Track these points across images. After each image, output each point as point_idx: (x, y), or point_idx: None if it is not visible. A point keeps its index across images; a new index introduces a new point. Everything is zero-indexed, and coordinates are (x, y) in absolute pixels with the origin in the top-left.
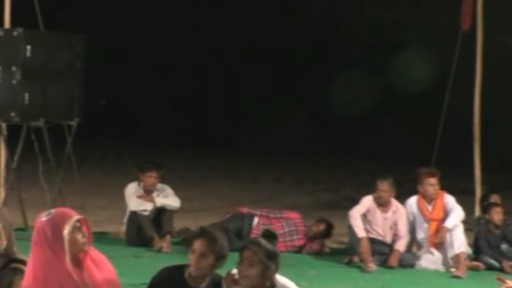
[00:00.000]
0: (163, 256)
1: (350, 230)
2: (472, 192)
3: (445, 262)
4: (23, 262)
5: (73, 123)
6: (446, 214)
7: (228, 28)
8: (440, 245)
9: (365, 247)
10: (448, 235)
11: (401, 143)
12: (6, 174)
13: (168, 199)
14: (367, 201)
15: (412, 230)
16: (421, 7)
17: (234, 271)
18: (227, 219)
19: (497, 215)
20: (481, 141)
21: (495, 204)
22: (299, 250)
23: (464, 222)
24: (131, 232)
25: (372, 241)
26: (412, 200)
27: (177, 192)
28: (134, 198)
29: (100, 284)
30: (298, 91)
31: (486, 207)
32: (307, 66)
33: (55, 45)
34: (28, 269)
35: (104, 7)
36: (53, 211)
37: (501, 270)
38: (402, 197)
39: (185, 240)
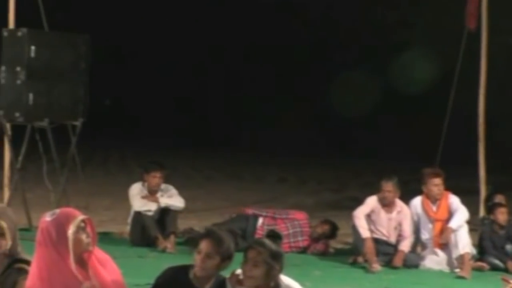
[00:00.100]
0: (167, 256)
1: (355, 230)
2: (476, 192)
3: (449, 263)
4: (27, 262)
5: (77, 123)
6: (450, 214)
7: (229, 28)
8: (445, 246)
9: (369, 247)
10: (452, 236)
11: (405, 143)
12: (11, 174)
13: (172, 199)
14: (371, 202)
15: (417, 230)
16: (423, 7)
17: (239, 271)
18: (231, 219)
19: (501, 215)
20: (485, 141)
21: (500, 205)
22: (303, 250)
23: (469, 222)
24: (135, 232)
25: (377, 241)
26: (417, 201)
27: (181, 192)
28: (138, 199)
29: (105, 284)
30: (300, 91)
31: (490, 208)
32: (308, 66)
33: (59, 45)
34: (32, 269)
35: (103, 7)
36: (57, 211)
37: (506, 270)
38: (406, 198)
39: (189, 240)
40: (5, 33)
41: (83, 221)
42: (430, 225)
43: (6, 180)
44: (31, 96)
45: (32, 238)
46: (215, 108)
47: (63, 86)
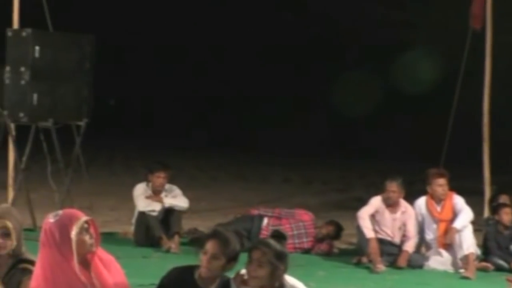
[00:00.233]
0: (172, 257)
1: (359, 230)
2: (481, 192)
3: (454, 263)
4: (32, 263)
5: (82, 123)
6: (455, 214)
7: (229, 28)
8: (449, 246)
9: (373, 247)
10: (457, 236)
11: (409, 143)
12: (15, 174)
13: (177, 199)
14: (375, 202)
15: (421, 230)
16: (428, 7)
17: (243, 271)
18: (236, 219)
19: (506, 215)
20: (490, 142)
21: (504, 205)
22: (308, 251)
23: (473, 222)
24: (140, 233)
25: (381, 241)
26: (421, 201)
27: (186, 192)
28: (143, 199)
29: (108, 285)
30: (304, 91)
31: (495, 208)
32: (314, 65)
33: (63, 45)
34: (36, 270)
35: (103, 6)
36: (60, 212)
37: (510, 271)
38: (411, 198)
39: (193, 241)
40: (9, 33)
41: (86, 222)
42: (434, 226)
43: (10, 180)
44: (35, 96)
45: (36, 238)
46: (219, 108)
47: (67, 86)
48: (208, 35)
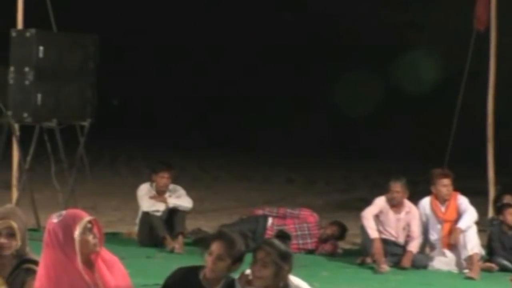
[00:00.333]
0: (175, 257)
1: (363, 231)
2: (485, 193)
3: (458, 263)
4: (36, 263)
5: (86, 123)
6: (459, 215)
7: (229, 28)
8: (453, 246)
9: (377, 248)
10: (461, 236)
11: (413, 144)
12: (19, 174)
13: (181, 199)
14: (379, 202)
15: (425, 231)
16: (430, 7)
17: (248, 271)
18: (241, 220)
19: (510, 216)
20: (494, 142)
21: (509, 205)
22: (312, 251)
23: (478, 223)
24: (143, 233)
25: (385, 242)
26: (425, 201)
27: (189, 192)
28: (147, 199)
29: (112, 285)
30: (304, 91)
31: (499, 208)
32: (314, 65)
33: (67, 45)
34: (40, 270)
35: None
36: (64, 212)
37: None
38: (415, 198)
39: (197, 241)
40: (13, 34)
41: (89, 222)
42: (438, 226)
43: (14, 181)
44: (39, 96)
45: (40, 239)
46: (219, 108)
47: (71, 86)
48: (208, 35)
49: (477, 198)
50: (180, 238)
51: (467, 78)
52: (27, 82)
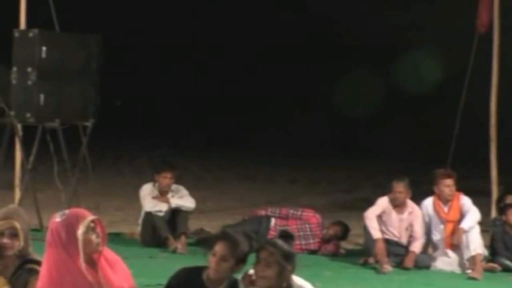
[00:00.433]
0: (178, 257)
1: (366, 231)
2: (488, 193)
3: (461, 264)
4: (38, 263)
5: (88, 124)
6: (462, 215)
7: (230, 28)
8: (456, 247)
9: (380, 248)
10: (464, 237)
11: (417, 144)
12: (22, 174)
13: (183, 199)
14: (382, 202)
15: (428, 231)
16: (431, 7)
17: (251, 271)
18: (244, 221)
19: None
20: (497, 142)
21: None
22: (314, 252)
23: (480, 223)
24: (146, 233)
25: (388, 242)
26: (428, 201)
27: (192, 193)
28: (149, 199)
29: (115, 284)
30: (304, 91)
31: (502, 209)
32: (314, 65)
33: (70, 46)
34: (43, 270)
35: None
36: (67, 211)
37: None
38: (417, 198)
39: (200, 241)
40: (16, 34)
41: (92, 221)
42: (441, 226)
43: (17, 181)
44: (42, 96)
45: (43, 239)
46: (219, 108)
47: (74, 86)
48: (208, 35)
49: (480, 198)
50: (183, 238)
51: (467, 78)
52: (29, 82)
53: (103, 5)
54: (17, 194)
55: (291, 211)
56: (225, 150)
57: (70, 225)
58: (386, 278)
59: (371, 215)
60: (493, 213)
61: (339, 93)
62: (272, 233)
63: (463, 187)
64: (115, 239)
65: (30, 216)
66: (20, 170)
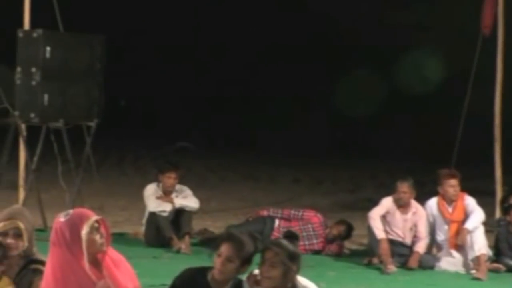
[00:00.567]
0: (182, 257)
1: (370, 231)
2: (492, 193)
3: (465, 264)
4: (42, 263)
5: (92, 124)
6: (466, 215)
7: (230, 28)
8: (460, 247)
9: (384, 248)
10: (468, 237)
11: (421, 144)
12: (26, 174)
13: (187, 200)
14: (386, 203)
15: (432, 231)
16: (434, 7)
17: (256, 272)
18: (248, 222)
19: None
20: (501, 142)
21: None
22: (318, 252)
23: (485, 223)
24: (150, 233)
25: (392, 242)
26: (432, 202)
27: (196, 193)
28: (153, 199)
29: (121, 284)
30: (304, 91)
31: (506, 209)
32: (314, 65)
33: (74, 46)
34: (47, 270)
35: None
36: (71, 211)
37: None
38: (422, 199)
39: (204, 241)
40: (20, 34)
41: (96, 221)
42: (445, 226)
43: (21, 181)
44: (46, 97)
45: (47, 239)
46: (220, 108)
47: (78, 87)
48: (208, 35)
49: (484, 198)
50: (187, 239)
51: (470, 78)
52: (34, 83)
53: (104, 5)
54: (21, 194)
55: (293, 211)
56: (224, 150)
57: (74, 225)
58: (390, 279)
59: (375, 215)
60: (498, 214)
61: (339, 93)
62: (276, 234)
63: (467, 187)
64: (119, 239)
65: (34, 216)
66: (24, 170)
